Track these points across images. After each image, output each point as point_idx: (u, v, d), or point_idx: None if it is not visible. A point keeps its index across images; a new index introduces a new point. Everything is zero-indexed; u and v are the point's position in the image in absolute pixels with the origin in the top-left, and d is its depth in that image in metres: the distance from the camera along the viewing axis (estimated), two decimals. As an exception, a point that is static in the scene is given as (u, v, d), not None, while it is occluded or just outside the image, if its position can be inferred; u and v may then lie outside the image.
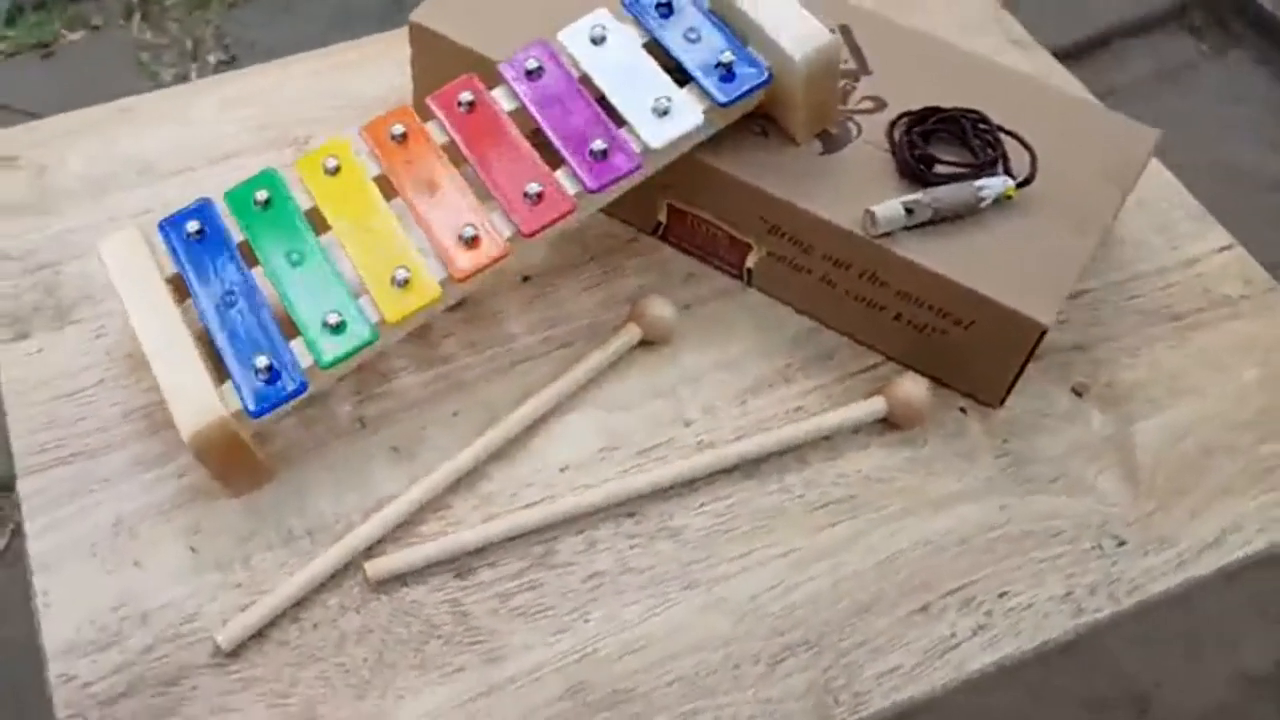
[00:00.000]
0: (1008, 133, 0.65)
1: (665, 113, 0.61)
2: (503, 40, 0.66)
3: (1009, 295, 0.60)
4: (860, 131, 0.67)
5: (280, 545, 0.58)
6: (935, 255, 0.61)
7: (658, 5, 0.65)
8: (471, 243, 0.59)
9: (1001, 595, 0.58)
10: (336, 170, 0.61)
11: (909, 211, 0.61)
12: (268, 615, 0.55)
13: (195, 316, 0.58)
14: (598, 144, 0.60)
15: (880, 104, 0.68)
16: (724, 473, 0.62)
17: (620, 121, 0.62)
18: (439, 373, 0.64)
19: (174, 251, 0.60)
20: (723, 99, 0.61)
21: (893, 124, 0.66)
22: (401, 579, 0.57)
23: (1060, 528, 0.61)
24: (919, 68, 0.70)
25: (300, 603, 0.56)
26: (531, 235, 0.59)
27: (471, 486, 0.60)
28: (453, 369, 0.65)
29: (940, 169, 0.64)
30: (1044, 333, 0.60)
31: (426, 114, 0.63)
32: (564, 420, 0.63)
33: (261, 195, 0.61)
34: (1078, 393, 0.66)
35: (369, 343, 0.57)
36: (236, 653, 0.54)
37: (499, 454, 0.61)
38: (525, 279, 0.69)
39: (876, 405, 0.63)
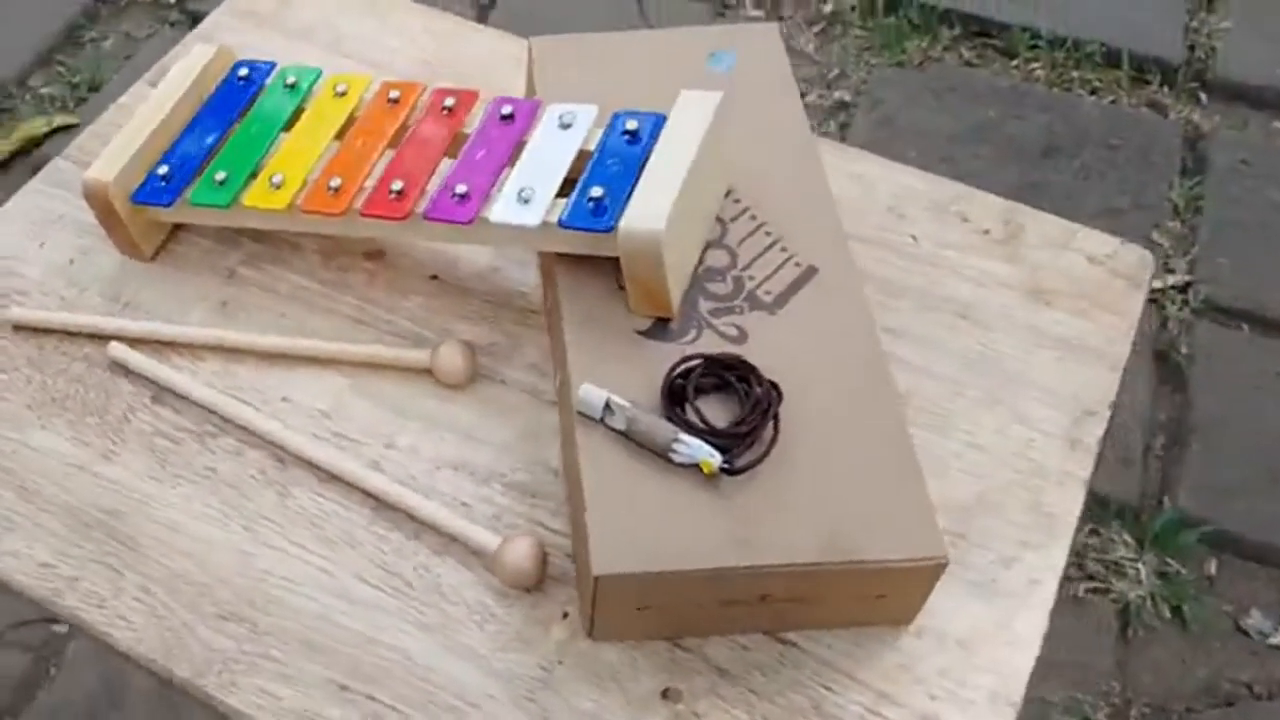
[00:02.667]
0: (775, 428, 0.70)
1: (525, 202, 0.76)
2: (562, 89, 0.85)
3: (601, 530, 0.67)
4: (695, 339, 0.75)
5: (104, 298, 0.86)
6: (593, 452, 0.70)
7: (625, 131, 0.79)
8: (335, 192, 0.80)
9: None
10: (343, 95, 0.86)
11: (608, 409, 0.70)
12: (45, 324, 0.84)
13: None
14: (461, 188, 0.78)
15: (741, 339, 0.75)
16: (362, 491, 0.77)
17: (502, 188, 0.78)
18: (306, 286, 0.87)
19: (224, 81, 0.89)
20: (560, 219, 0.75)
21: (709, 357, 0.73)
22: (124, 369, 0.82)
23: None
24: (816, 343, 0.75)
25: (71, 335, 0.84)
26: (363, 215, 0.79)
27: (228, 362, 0.83)
28: (316, 291, 0.87)
29: (686, 409, 0.71)
30: (597, 580, 0.66)
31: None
32: (324, 374, 0.83)
33: (292, 81, 0.88)
34: (665, 695, 0.70)
35: (220, 205, 0.82)
36: (17, 329, 0.84)
37: (265, 358, 0.83)
38: (434, 277, 0.88)
39: (488, 541, 0.74)
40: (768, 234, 0.81)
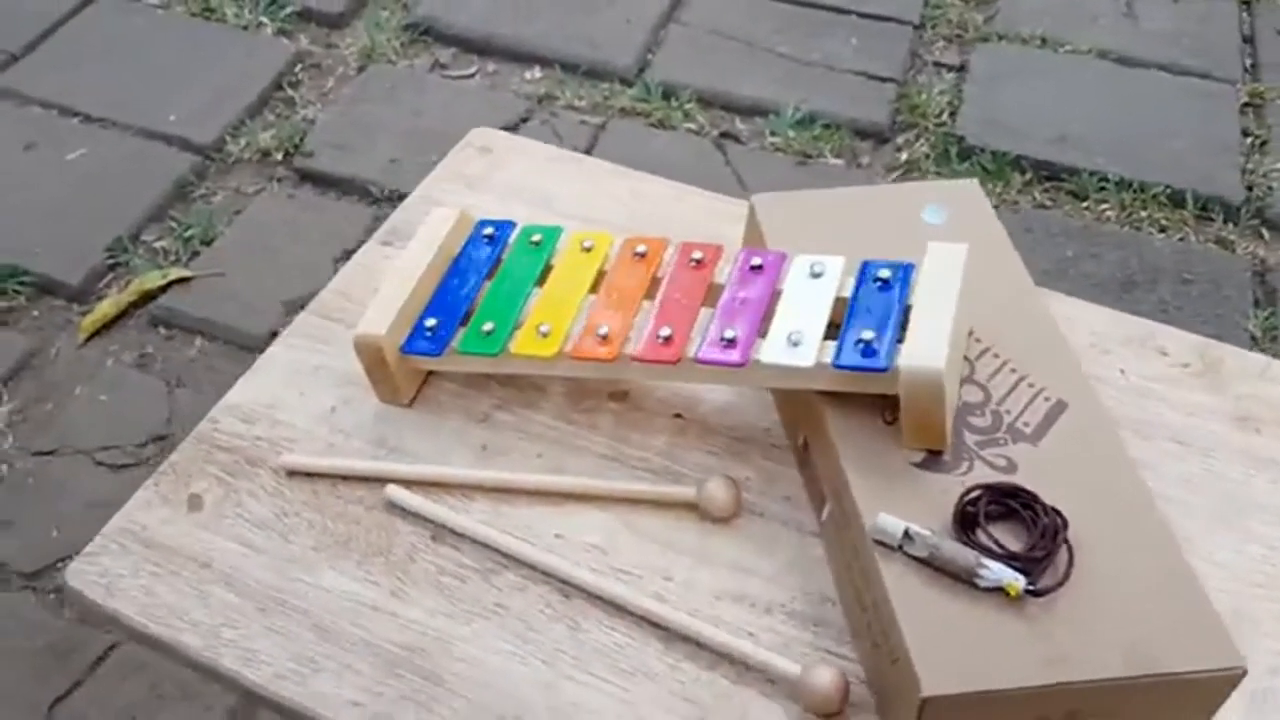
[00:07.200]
0: (1069, 551, 0.75)
1: (795, 345, 0.83)
2: (789, 239, 0.93)
3: (923, 653, 0.72)
4: (968, 471, 0.81)
5: (368, 443, 0.92)
6: (904, 582, 0.75)
7: (877, 279, 0.86)
8: (602, 339, 0.87)
9: None
10: (589, 250, 0.94)
11: (908, 537, 0.76)
12: (317, 469, 0.89)
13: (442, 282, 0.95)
14: (729, 333, 0.84)
15: (1011, 469, 0.81)
16: (650, 623, 0.82)
17: (765, 332, 0.85)
18: (556, 427, 0.93)
19: (469, 238, 0.97)
20: (834, 361, 0.82)
21: (993, 486, 0.79)
22: (400, 510, 0.87)
23: None
24: (1081, 471, 0.81)
25: (342, 479, 0.89)
26: (635, 360, 0.86)
27: (496, 501, 0.88)
28: (568, 432, 0.93)
29: (978, 534, 0.76)
30: (924, 701, 0.70)
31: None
32: (588, 510, 0.88)
33: (537, 238, 0.95)
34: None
35: (490, 353, 0.89)
36: (291, 474, 0.89)
37: (531, 496, 0.89)
38: (677, 416, 0.94)
39: (789, 668, 0.78)
40: (1013, 371, 0.88)
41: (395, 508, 0.88)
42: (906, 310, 0.84)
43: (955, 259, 0.86)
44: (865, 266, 0.88)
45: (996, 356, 0.89)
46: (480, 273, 0.95)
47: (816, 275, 0.88)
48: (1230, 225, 2.18)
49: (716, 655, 0.81)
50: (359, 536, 0.87)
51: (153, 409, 1.87)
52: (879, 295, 0.86)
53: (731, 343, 0.85)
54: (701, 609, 0.83)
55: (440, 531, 0.87)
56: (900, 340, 0.82)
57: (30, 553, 1.71)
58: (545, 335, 0.89)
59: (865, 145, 2.33)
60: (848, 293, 0.87)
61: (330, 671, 0.80)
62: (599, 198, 1.12)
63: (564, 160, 1.17)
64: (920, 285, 0.85)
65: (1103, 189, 2.22)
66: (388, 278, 0.94)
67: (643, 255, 0.93)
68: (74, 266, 2.03)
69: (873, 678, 0.79)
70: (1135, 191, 2.21)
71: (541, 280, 0.94)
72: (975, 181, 1.02)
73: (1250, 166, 2.27)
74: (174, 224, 2.12)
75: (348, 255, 2.09)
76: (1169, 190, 2.21)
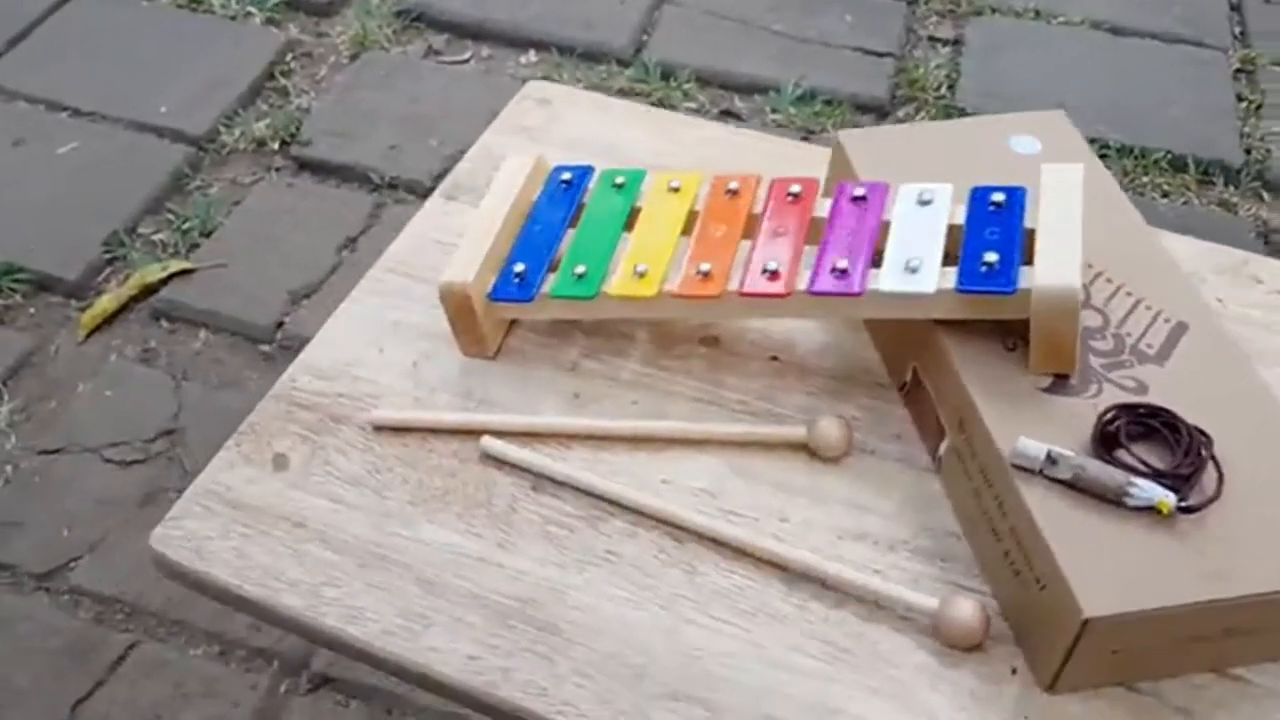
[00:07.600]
0: (1219, 471, 0.72)
1: (913, 271, 0.79)
2: (881, 174, 0.89)
3: (1079, 575, 0.69)
4: (1098, 394, 0.78)
5: (455, 396, 0.87)
6: (1049, 506, 0.72)
7: (991, 202, 0.83)
8: (704, 277, 0.83)
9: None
10: (676, 190, 0.89)
11: (1050, 460, 0.72)
12: (406, 423, 0.85)
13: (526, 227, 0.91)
14: (841, 262, 0.81)
15: (1141, 389, 0.78)
16: (770, 564, 0.78)
17: (879, 262, 0.81)
18: (649, 374, 0.89)
19: (547, 184, 0.92)
20: (958, 285, 0.78)
21: (1124, 405, 0.76)
22: (497, 462, 0.83)
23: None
24: (1212, 388, 0.79)
25: (432, 432, 0.85)
26: (742, 295, 0.82)
27: (595, 449, 0.84)
28: (660, 378, 0.89)
29: (1120, 454, 0.73)
30: (1085, 623, 0.67)
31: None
32: (691, 454, 0.84)
33: (620, 181, 0.91)
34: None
35: (585, 296, 0.84)
36: (378, 430, 0.85)
37: (630, 443, 0.84)
38: (774, 358, 0.90)
39: (927, 603, 0.74)
40: (1129, 294, 0.85)
41: (491, 459, 0.83)
42: (1027, 233, 0.81)
43: (1073, 179, 0.83)
44: (976, 192, 0.84)
45: (1110, 281, 0.86)
46: (563, 218, 0.90)
47: (925, 203, 0.84)
48: (1231, 188, 2.18)
49: (842, 594, 0.77)
50: (456, 489, 0.82)
51: (159, 403, 1.81)
52: (996, 219, 0.82)
53: (844, 273, 0.81)
54: (822, 548, 0.79)
55: (540, 481, 0.83)
56: (1026, 263, 0.79)
57: (41, 553, 1.64)
58: (642, 276, 0.85)
59: (867, 119, 2.30)
60: (960, 220, 0.83)
61: (441, 626, 0.75)
62: (662, 143, 1.08)
63: (622, 109, 1.13)
64: (1042, 206, 0.81)
65: (1104, 156, 2.20)
66: (468, 227, 0.89)
67: (735, 192, 0.89)
68: (71, 262, 1.96)
69: (1010, 608, 0.76)
70: (1136, 158, 2.20)
71: (629, 224, 0.90)
72: (1062, 111, 0.99)
73: (1247, 130, 2.27)
74: (171, 216, 2.06)
75: (351, 242, 2.06)
76: (1170, 155, 2.20)
